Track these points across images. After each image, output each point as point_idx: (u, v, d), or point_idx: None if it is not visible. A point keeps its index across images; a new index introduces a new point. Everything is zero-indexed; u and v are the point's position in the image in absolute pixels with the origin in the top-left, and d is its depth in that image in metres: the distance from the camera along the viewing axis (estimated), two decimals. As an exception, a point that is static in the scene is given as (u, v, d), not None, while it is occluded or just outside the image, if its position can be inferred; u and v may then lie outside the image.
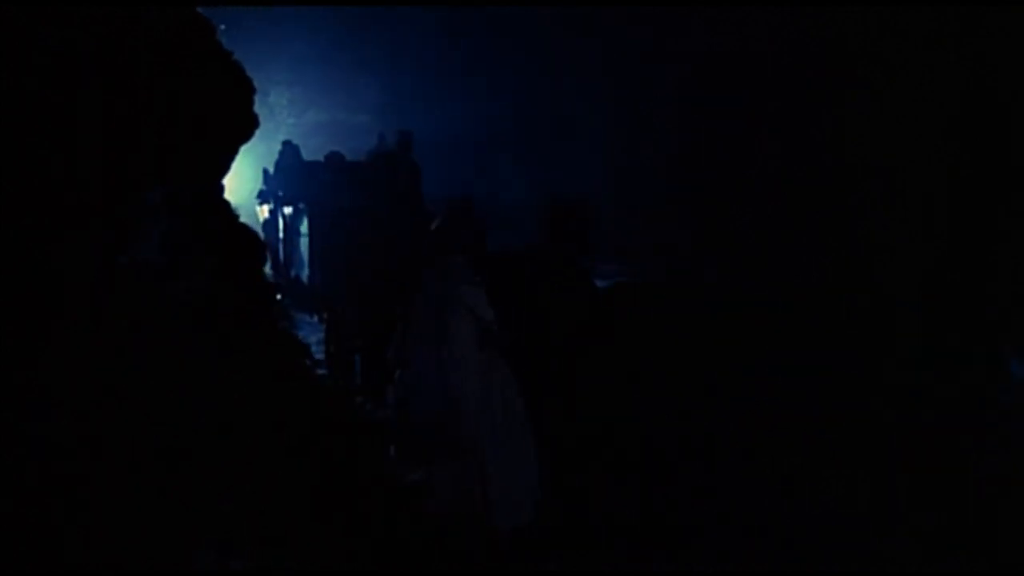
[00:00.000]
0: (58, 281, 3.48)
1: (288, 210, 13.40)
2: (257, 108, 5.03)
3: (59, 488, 3.17)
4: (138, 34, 3.99)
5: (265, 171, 14.55)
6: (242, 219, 5.02)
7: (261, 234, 13.73)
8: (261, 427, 3.83)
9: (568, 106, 16.51)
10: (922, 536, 5.13)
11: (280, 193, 13.84)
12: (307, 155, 15.92)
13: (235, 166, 5.11)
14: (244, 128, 4.73)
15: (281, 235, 13.85)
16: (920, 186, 10.11)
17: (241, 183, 14.84)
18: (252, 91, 4.80)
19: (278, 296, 11.50)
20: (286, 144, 14.42)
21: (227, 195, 5.08)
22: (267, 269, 11.71)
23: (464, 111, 16.75)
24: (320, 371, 8.20)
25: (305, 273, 12.82)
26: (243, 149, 5.06)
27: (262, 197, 14.30)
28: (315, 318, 11.45)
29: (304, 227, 12.80)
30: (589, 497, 5.52)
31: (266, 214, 14.23)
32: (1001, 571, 4.92)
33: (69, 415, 3.29)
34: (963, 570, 4.86)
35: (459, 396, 4.58)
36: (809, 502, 5.63)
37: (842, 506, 5.54)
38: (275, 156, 15.21)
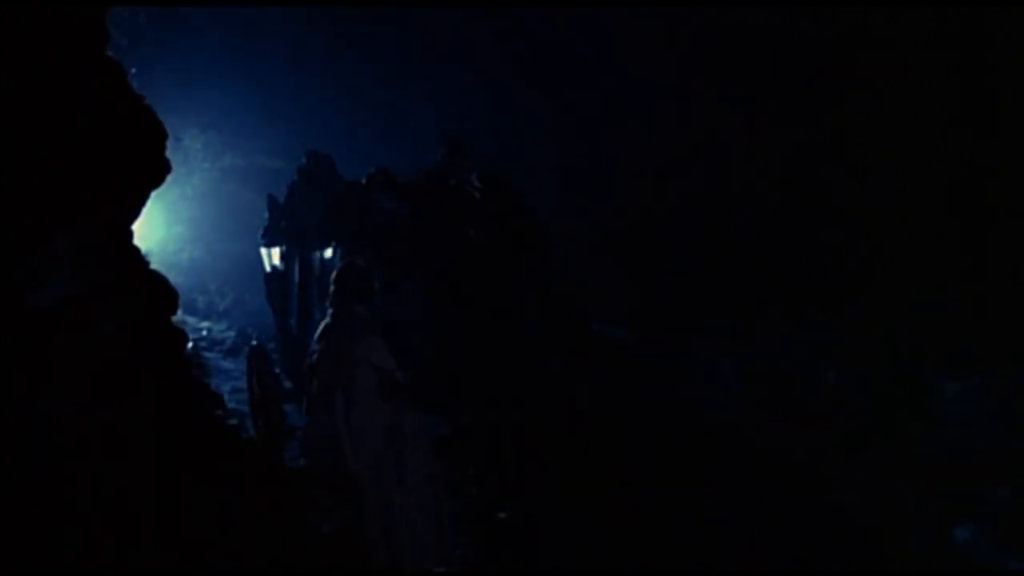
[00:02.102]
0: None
1: (327, 253, 8.83)
2: (170, 152, 4.96)
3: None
4: (45, 77, 3.91)
5: (272, 199, 9.95)
6: (153, 265, 4.93)
7: (263, 288, 10.14)
8: (169, 477, 3.72)
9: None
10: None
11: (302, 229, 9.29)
12: (219, 204, 14.36)
13: (146, 211, 5.01)
14: (155, 173, 4.65)
15: (296, 290, 9.37)
16: (919, 186, 10.30)
17: (152, 229, 14.36)
18: (164, 136, 4.74)
19: (285, 385, 8.86)
20: (311, 156, 9.85)
21: (137, 241, 4.98)
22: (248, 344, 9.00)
23: (389, 154, 16.65)
24: (232, 421, 8.00)
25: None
26: (154, 194, 4.97)
27: (269, 237, 9.74)
28: None
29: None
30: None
31: (276, 260, 9.75)
32: (1001, 571, 4.99)
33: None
34: (966, 570, 4.92)
35: (361, 447, 4.55)
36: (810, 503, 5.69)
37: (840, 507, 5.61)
38: (189, 200, 14.15)
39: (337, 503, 4.67)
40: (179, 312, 5.22)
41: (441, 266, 6.80)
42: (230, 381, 10.35)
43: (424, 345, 6.95)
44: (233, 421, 8.28)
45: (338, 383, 4.60)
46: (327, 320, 4.89)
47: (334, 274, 4.95)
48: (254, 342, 8.81)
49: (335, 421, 4.56)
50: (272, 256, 9.80)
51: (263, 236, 9.89)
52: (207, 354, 11.97)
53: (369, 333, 4.74)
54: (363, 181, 8.65)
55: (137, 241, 4.91)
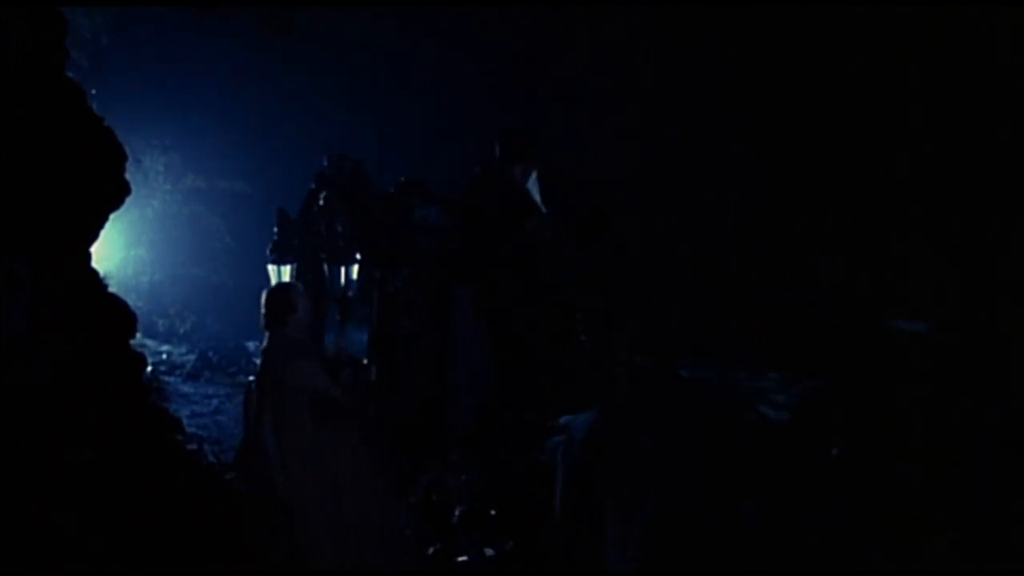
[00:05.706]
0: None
1: (352, 272, 7.52)
2: (130, 174, 4.92)
3: None
4: (2, 98, 3.88)
5: (282, 213, 8.91)
6: (112, 288, 4.88)
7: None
8: (125, 502, 3.68)
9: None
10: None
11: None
12: (180, 227, 13.98)
13: (105, 233, 4.96)
14: (114, 195, 4.61)
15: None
16: (918, 187, 10.21)
17: (111, 251, 14.15)
18: (124, 158, 4.70)
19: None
20: (333, 161, 8.53)
21: (96, 263, 4.93)
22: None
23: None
24: (191, 446, 7.90)
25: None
26: (114, 216, 4.93)
27: (279, 253, 8.43)
28: None
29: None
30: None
31: (287, 279, 8.24)
32: (1001, 571, 4.97)
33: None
34: (965, 570, 4.90)
35: (293, 471, 4.49)
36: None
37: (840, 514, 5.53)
38: (149, 223, 13.87)
39: (282, 528, 4.58)
40: (138, 335, 5.16)
41: (499, 290, 6.01)
42: (189, 405, 10.24)
43: (475, 382, 6.36)
44: (192, 446, 8.19)
45: (267, 406, 4.52)
46: (264, 343, 4.82)
47: (263, 296, 4.88)
48: (251, 378, 8.00)
49: (266, 445, 4.48)
50: (282, 275, 8.46)
51: (271, 252, 8.57)
52: (167, 378, 11.82)
53: (296, 354, 4.68)
54: (392, 190, 7.65)
55: (96, 263, 4.86)
